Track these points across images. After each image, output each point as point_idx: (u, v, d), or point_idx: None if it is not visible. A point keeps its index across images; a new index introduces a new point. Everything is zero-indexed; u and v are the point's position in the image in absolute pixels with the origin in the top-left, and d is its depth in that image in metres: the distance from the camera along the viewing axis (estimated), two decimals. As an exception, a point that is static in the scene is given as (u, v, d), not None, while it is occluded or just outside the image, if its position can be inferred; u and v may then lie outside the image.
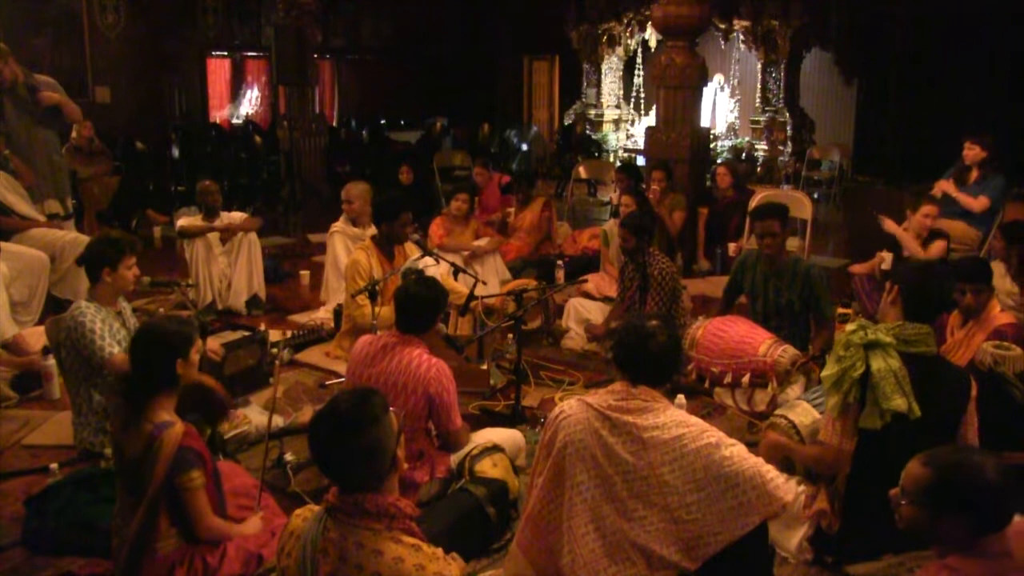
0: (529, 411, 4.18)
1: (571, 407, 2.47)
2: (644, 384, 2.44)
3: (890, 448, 2.69)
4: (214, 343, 3.90)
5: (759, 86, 11.79)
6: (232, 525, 2.73)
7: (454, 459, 3.23)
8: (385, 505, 1.90)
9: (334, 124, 13.38)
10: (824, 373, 2.76)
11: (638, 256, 4.75)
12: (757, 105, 11.86)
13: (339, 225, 5.70)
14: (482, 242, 6.25)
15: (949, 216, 5.73)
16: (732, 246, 6.78)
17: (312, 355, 5.00)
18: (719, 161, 9.73)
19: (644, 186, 6.95)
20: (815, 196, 9.90)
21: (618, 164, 9.44)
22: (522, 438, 3.57)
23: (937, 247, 5.05)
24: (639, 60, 13.35)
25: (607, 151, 13.30)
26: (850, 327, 2.76)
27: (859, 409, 2.68)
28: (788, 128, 11.54)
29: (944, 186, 5.83)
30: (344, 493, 1.91)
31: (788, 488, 2.38)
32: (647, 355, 2.44)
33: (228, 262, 5.83)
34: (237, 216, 6.05)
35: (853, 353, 2.66)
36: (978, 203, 5.66)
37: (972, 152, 5.73)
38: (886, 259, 5.09)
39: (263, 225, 6.38)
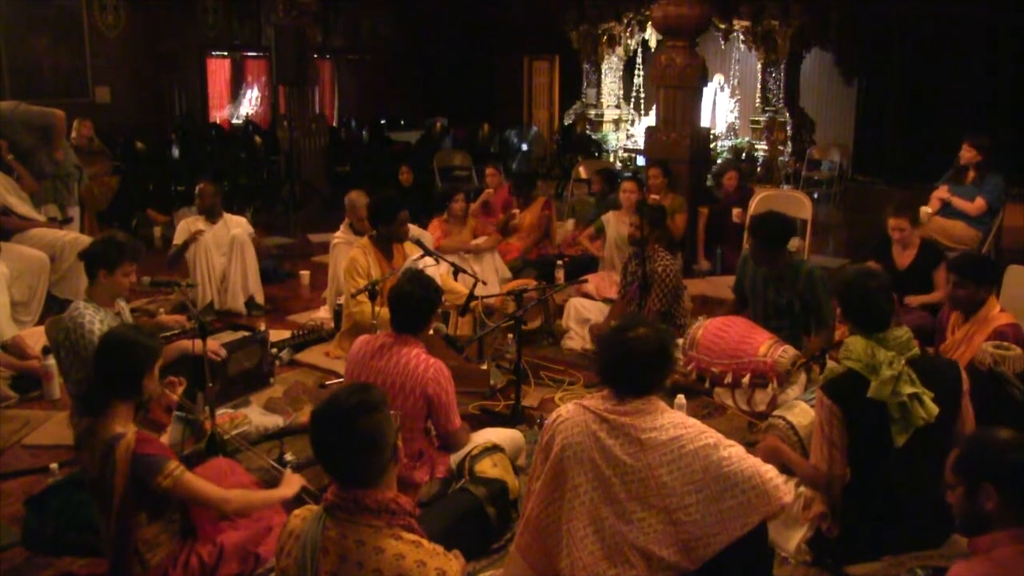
0: (529, 411, 4.17)
1: (568, 411, 2.45)
2: (631, 396, 2.37)
3: (887, 451, 2.70)
4: (214, 343, 3.90)
5: (759, 86, 11.78)
6: (258, 492, 2.64)
7: (454, 459, 3.23)
8: (385, 501, 1.89)
9: (334, 124, 13.37)
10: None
11: (643, 248, 4.74)
12: (757, 105, 11.86)
13: (340, 235, 5.58)
14: (480, 240, 6.24)
15: (949, 216, 5.73)
16: (736, 211, 6.71)
17: (312, 355, 5.01)
18: (720, 161, 9.70)
19: (646, 187, 6.92)
20: (815, 196, 9.90)
21: (604, 168, 9.09)
22: (522, 438, 3.57)
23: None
24: (639, 60, 13.34)
25: (607, 151, 13.29)
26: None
27: (846, 437, 2.68)
28: (788, 128, 11.54)
29: (938, 194, 5.80)
30: (343, 490, 1.90)
31: (787, 489, 2.37)
32: (630, 368, 2.38)
33: (227, 263, 5.81)
34: (236, 219, 6.02)
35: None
36: (974, 206, 5.61)
37: (969, 153, 5.69)
38: None
39: (262, 225, 6.35)
